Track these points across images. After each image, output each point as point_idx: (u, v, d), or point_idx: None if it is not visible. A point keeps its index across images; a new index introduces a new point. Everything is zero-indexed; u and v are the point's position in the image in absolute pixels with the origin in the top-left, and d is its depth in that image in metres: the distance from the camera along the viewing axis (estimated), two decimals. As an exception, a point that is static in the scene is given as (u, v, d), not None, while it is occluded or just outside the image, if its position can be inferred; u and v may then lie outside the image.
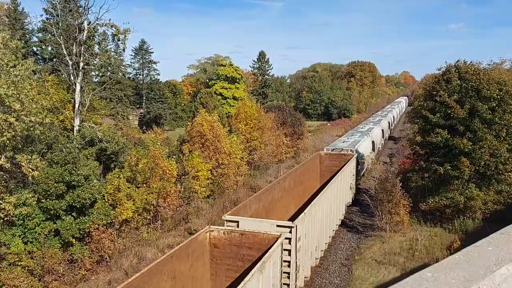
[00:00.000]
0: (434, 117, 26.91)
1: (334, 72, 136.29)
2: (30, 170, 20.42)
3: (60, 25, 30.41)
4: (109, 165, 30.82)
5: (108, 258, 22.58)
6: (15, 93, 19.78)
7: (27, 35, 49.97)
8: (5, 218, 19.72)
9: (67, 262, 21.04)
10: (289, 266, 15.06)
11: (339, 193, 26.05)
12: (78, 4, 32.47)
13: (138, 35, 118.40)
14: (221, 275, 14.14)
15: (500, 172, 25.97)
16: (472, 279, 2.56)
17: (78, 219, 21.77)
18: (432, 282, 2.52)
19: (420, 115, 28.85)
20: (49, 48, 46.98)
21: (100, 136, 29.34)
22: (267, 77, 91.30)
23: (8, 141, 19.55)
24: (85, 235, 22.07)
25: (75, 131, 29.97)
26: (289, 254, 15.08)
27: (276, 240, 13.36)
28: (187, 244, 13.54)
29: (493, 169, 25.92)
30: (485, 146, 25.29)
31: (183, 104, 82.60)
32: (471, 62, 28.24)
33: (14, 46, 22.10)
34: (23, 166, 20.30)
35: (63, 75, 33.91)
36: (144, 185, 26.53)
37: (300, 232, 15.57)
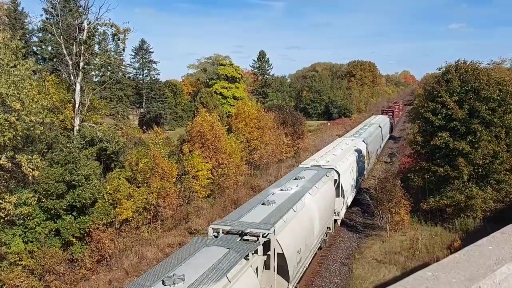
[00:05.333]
0: (436, 119, 26.84)
1: (334, 71, 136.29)
2: (31, 170, 20.42)
3: (60, 25, 30.41)
4: (110, 165, 30.82)
5: (108, 257, 22.59)
6: (16, 93, 19.78)
7: (27, 35, 49.92)
8: (6, 218, 19.72)
9: (68, 261, 21.06)
10: None
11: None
12: (78, 4, 32.48)
13: (139, 35, 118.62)
14: None
15: (498, 172, 25.94)
16: (472, 278, 2.56)
17: (79, 218, 21.79)
18: (433, 281, 2.53)
19: (420, 116, 28.83)
20: (49, 48, 46.96)
21: (100, 136, 29.34)
22: (267, 76, 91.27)
23: (8, 141, 19.55)
24: (86, 234, 22.09)
25: (75, 131, 29.97)
26: None
27: None
28: None
29: (489, 169, 25.91)
30: (482, 146, 25.29)
31: (183, 104, 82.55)
32: (471, 62, 28.22)
33: (14, 46, 22.09)
34: (23, 166, 20.30)
35: (63, 75, 33.90)
36: (145, 184, 26.54)
37: None
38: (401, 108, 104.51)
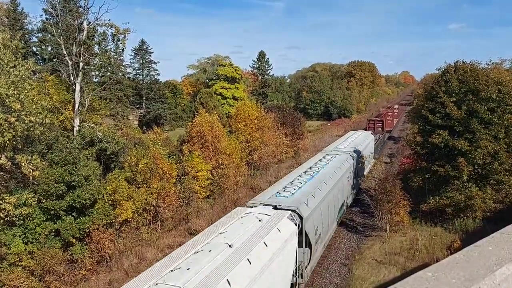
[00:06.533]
0: (434, 117, 26.94)
1: (334, 72, 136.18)
2: (30, 170, 20.41)
3: (60, 25, 30.40)
4: (109, 165, 30.81)
5: (108, 258, 22.58)
6: (15, 93, 19.78)
7: (26, 35, 49.91)
8: (6, 219, 19.71)
9: (68, 262, 21.04)
10: None
11: None
12: (77, 4, 32.47)
13: (139, 35, 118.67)
14: None
15: (497, 172, 25.96)
16: (472, 279, 2.57)
17: (78, 219, 21.77)
18: (433, 281, 2.53)
19: (420, 115, 28.86)
20: (49, 48, 46.96)
21: (100, 136, 29.32)
22: (267, 77, 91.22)
23: (8, 141, 19.55)
24: (85, 235, 22.08)
25: (75, 131, 29.94)
26: None
27: None
28: None
29: (488, 169, 25.92)
30: (481, 146, 25.32)
31: (183, 104, 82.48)
32: (470, 62, 28.25)
33: (14, 46, 22.09)
34: (23, 166, 20.29)
35: (63, 75, 33.89)
36: (144, 185, 26.53)
37: None
38: (396, 114, 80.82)
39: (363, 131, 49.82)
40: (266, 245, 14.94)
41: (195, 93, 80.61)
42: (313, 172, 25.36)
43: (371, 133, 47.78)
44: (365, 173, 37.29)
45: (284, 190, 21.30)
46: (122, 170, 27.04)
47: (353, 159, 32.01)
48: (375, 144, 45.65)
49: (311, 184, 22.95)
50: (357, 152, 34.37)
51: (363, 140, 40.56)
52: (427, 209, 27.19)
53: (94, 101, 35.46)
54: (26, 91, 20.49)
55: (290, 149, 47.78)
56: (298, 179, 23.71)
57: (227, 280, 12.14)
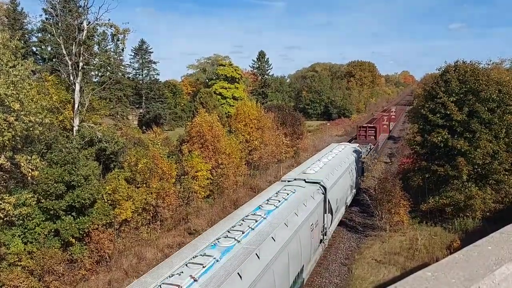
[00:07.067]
0: (434, 117, 26.96)
1: (334, 72, 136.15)
2: (30, 170, 20.39)
3: (60, 25, 30.38)
4: (109, 165, 30.80)
5: (108, 258, 22.58)
6: (15, 93, 19.77)
7: (26, 35, 49.87)
8: (5, 218, 19.69)
9: (67, 262, 21.04)
10: None
11: None
12: (77, 4, 32.45)
13: (139, 35, 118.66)
14: None
15: (497, 172, 25.95)
16: (472, 278, 2.56)
17: (78, 219, 21.77)
18: (432, 281, 2.52)
19: (420, 115, 28.87)
20: (49, 48, 46.95)
21: (99, 136, 29.30)
22: (267, 77, 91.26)
23: (7, 141, 19.52)
24: (85, 235, 22.08)
25: (74, 131, 29.92)
26: None
27: None
28: None
29: (488, 169, 25.92)
30: (481, 146, 25.32)
31: (182, 104, 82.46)
32: (470, 62, 28.25)
33: (13, 46, 22.07)
34: (22, 166, 20.27)
35: (63, 75, 33.86)
36: (144, 185, 26.52)
37: None
38: (393, 116, 72.52)
39: (347, 144, 38.88)
40: None
41: (194, 93, 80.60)
42: (246, 229, 14.48)
43: (358, 146, 37.55)
44: (333, 222, 24.26)
45: (172, 277, 10.93)
46: (122, 170, 27.03)
47: (325, 191, 22.17)
48: (360, 164, 35.48)
49: (234, 256, 12.42)
50: (331, 180, 24.00)
51: (344, 159, 30.34)
52: (427, 209, 27.18)
53: (94, 101, 35.43)
54: (25, 90, 20.47)
55: (290, 149, 47.79)
56: (210, 249, 12.81)
57: None
